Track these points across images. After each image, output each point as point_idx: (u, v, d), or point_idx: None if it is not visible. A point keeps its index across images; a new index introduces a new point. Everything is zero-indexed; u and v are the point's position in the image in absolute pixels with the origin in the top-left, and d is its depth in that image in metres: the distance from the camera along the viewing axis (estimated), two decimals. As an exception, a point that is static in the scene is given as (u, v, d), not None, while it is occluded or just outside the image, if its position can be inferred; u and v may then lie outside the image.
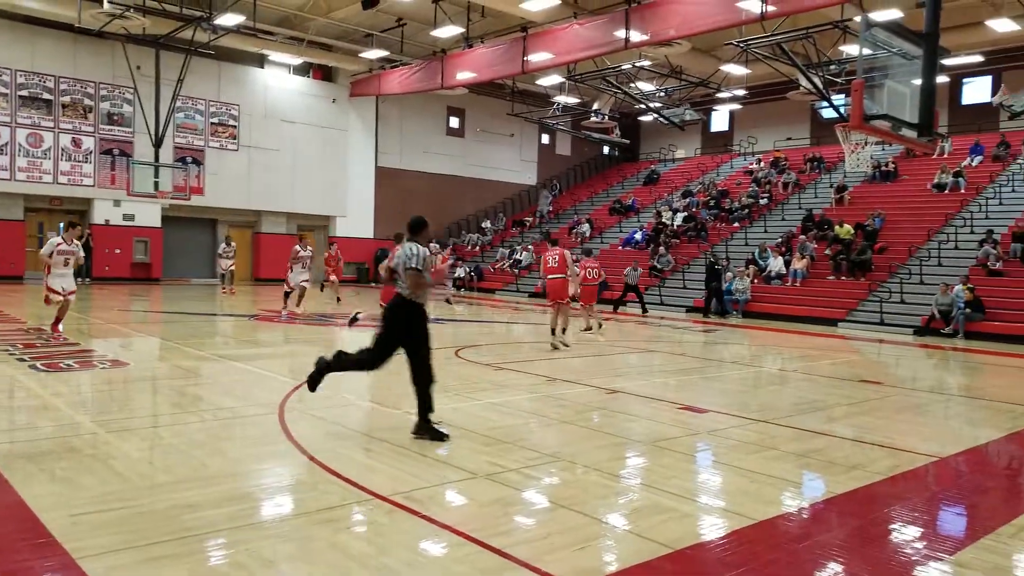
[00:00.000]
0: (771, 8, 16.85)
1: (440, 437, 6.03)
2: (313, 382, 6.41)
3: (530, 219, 35.22)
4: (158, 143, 24.42)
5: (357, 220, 31.68)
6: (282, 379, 8.76)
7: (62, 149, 25.08)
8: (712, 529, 4.45)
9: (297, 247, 16.90)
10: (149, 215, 26.74)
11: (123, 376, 8.80)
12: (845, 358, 13.51)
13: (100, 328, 13.70)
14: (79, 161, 25.38)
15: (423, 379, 6.12)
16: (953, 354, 14.63)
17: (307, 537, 4.03)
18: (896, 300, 18.76)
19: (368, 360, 6.24)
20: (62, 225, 16.87)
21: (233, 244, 23.56)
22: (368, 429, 6.73)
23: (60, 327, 11.67)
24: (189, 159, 27.21)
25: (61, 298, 11.48)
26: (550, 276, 12.71)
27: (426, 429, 6.09)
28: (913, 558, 4.09)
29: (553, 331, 12.66)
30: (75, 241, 11.60)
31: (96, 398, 7.64)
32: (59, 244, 11.36)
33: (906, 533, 4.50)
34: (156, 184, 24.27)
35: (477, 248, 33.37)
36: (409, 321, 6.11)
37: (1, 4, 22.31)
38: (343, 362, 6.33)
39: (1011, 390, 10.34)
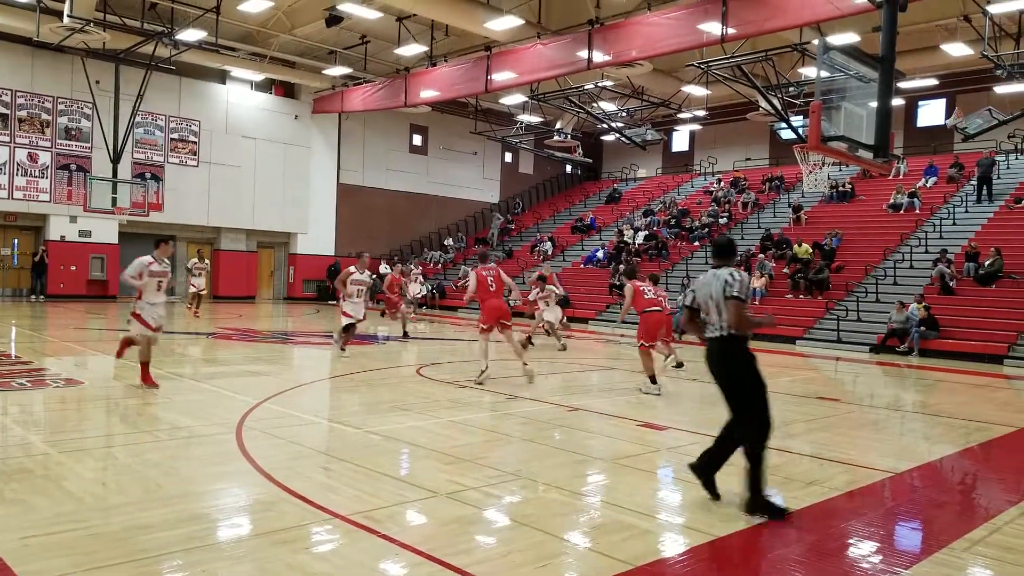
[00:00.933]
0: (731, 31, 17.19)
1: (780, 514, 4.89)
2: (769, 508, 4.92)
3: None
4: (116, 159, 24.05)
5: (318, 237, 31.46)
6: (240, 398, 8.64)
7: (18, 164, 24.54)
8: (673, 545, 4.49)
9: (352, 268, 13.07)
10: (106, 231, 26.24)
11: (77, 395, 8.61)
12: (803, 375, 13.71)
13: (54, 346, 13.38)
14: (35, 176, 24.86)
15: (756, 434, 5.00)
16: (908, 371, 14.93)
17: (264, 558, 3.97)
18: (852, 318, 19.12)
19: (763, 428, 5.05)
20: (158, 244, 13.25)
21: (207, 261, 21.91)
22: (327, 448, 6.66)
23: (151, 373, 9.19)
24: (148, 175, 26.81)
25: (152, 334, 9.23)
26: (493, 299, 10.69)
27: (763, 505, 4.87)
28: (869, 572, 4.17)
29: (525, 364, 10.78)
30: (165, 260, 9.59)
31: (49, 418, 7.46)
32: (149, 263, 9.25)
33: (862, 548, 4.58)
34: (114, 200, 23.87)
35: (439, 266, 33.32)
36: (751, 362, 5.06)
37: (-45, 17, 21.87)
38: (752, 458, 4.96)
39: (965, 407, 10.58)
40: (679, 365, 12.46)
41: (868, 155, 9.32)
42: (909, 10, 10.26)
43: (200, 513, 4.70)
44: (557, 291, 16.22)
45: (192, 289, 20.56)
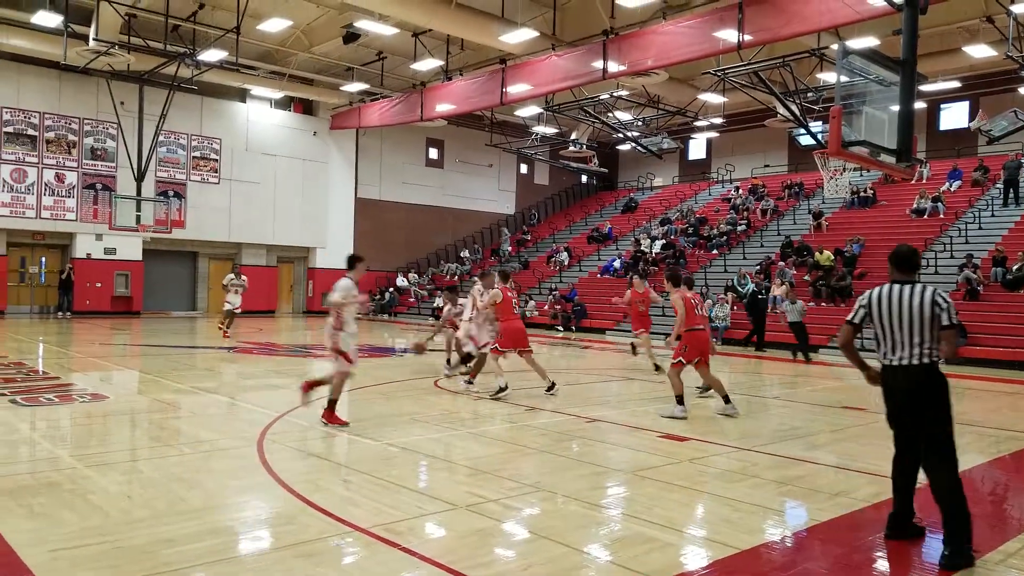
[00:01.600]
0: (748, 37, 17.13)
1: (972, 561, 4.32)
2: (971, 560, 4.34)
3: (508, 248, 35.34)
4: (140, 177, 24.40)
5: (336, 251, 31.66)
6: (261, 411, 8.71)
7: (45, 184, 24.98)
8: (695, 559, 4.46)
9: (478, 288, 11.69)
10: (130, 249, 26.61)
11: (103, 410, 8.72)
12: (826, 384, 13.59)
13: (80, 362, 13.56)
14: (62, 196, 25.29)
15: (956, 473, 4.48)
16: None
17: (287, 570, 4.00)
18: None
19: (953, 465, 4.49)
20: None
21: (243, 278, 20.16)
22: (347, 461, 6.69)
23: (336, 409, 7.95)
24: (171, 193, 27.17)
25: (350, 369, 7.92)
26: (516, 320, 10.31)
27: (968, 559, 4.30)
28: (892, 582, 4.11)
29: (552, 386, 10.31)
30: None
31: (75, 432, 7.56)
32: (353, 290, 7.83)
33: (891, 561, 4.52)
34: (138, 218, 24.22)
35: (456, 278, 33.40)
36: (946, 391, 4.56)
37: (-12, 45, 22.38)
38: (960, 503, 4.39)
39: (994, 415, 10.42)
40: (707, 389, 10.51)
41: (890, 159, 9.24)
42: (929, 12, 10.18)
43: (223, 526, 4.74)
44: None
45: (227, 306, 19.18)
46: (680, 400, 9.00)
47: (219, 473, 6.05)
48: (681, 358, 9.15)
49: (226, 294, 19.45)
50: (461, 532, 4.69)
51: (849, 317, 4.77)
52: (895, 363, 4.53)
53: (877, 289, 4.63)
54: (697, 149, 37.35)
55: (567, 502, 5.38)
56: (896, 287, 4.56)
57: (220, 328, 19.02)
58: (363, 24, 21.31)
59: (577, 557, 4.35)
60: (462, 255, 34.91)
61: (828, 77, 22.04)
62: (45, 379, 11.18)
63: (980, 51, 20.57)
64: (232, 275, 20.18)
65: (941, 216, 24.13)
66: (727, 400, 9.19)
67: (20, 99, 24.45)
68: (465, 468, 6.24)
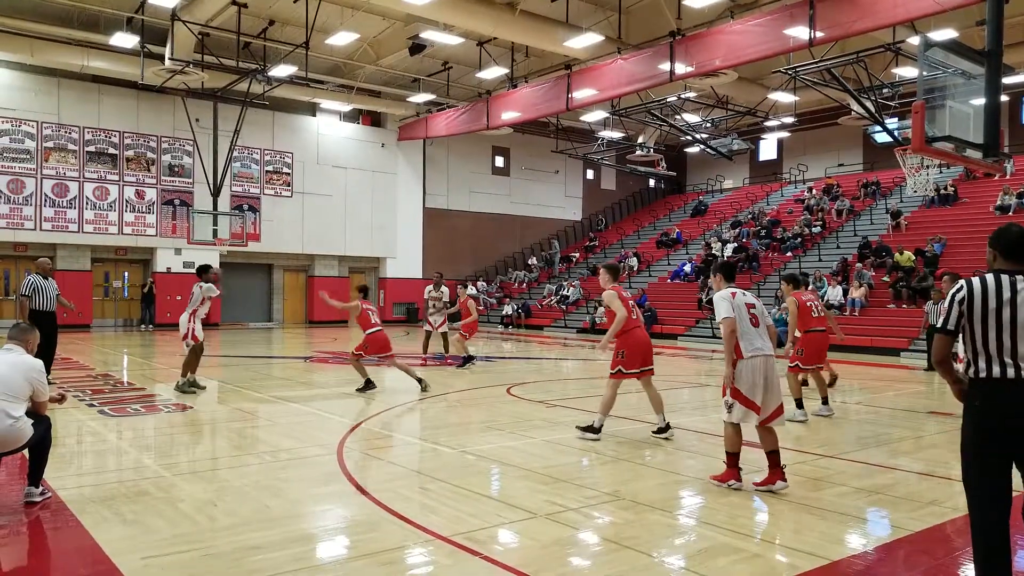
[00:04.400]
0: (819, 34, 16.71)
1: None
2: None
3: (576, 254, 35.20)
4: (216, 192, 25.19)
5: (406, 261, 32.09)
6: (339, 419, 8.84)
7: (126, 201, 26.03)
8: (785, 570, 4.31)
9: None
10: (208, 262, 27.39)
11: (186, 419, 8.98)
12: (910, 388, 13.08)
13: (164, 373, 14.03)
14: (142, 212, 26.29)
15: None
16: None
17: (370, 579, 4.02)
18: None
19: None
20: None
21: (445, 289, 16.91)
22: (425, 468, 6.72)
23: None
24: (246, 207, 27.98)
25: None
26: (641, 331, 7.92)
27: None
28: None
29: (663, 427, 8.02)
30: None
31: (161, 441, 7.80)
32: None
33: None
34: (215, 232, 24.96)
35: (524, 285, 33.44)
36: None
37: (71, 67, 23.45)
38: None
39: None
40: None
41: (977, 154, 8.85)
42: (1012, 1, 9.75)
43: (307, 534, 4.81)
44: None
45: (427, 326, 16.58)
46: (799, 404, 8.89)
47: (301, 481, 6.15)
48: (798, 363, 8.98)
49: (427, 315, 16.59)
50: (542, 541, 4.65)
51: (941, 323, 3.66)
52: (1009, 377, 3.46)
53: (976, 281, 3.58)
54: (768, 150, 36.58)
55: (648, 511, 5.28)
56: (1006, 278, 3.53)
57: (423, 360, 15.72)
58: (428, 35, 21.57)
59: (661, 568, 4.26)
60: (530, 262, 34.96)
61: (904, 72, 21.33)
62: (131, 390, 11.60)
63: (1066, 39, 19.63)
64: (431, 288, 16.79)
65: (1028, 212, 23.06)
66: (800, 405, 8.97)
67: (101, 119, 25.52)
68: (542, 476, 6.19)
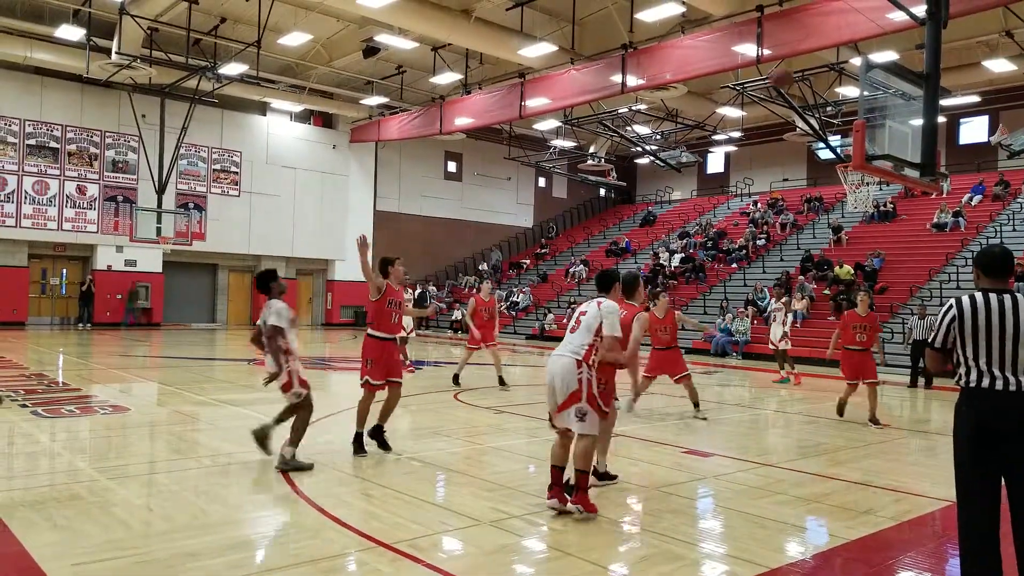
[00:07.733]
0: (767, 52, 17.08)
1: None
2: None
3: (527, 261, 35.33)
4: (161, 190, 24.62)
5: (355, 264, 31.69)
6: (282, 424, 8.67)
7: (67, 196, 25.26)
8: None
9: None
10: (150, 261, 26.80)
11: (123, 422, 8.74)
12: (851, 399, 13.38)
13: (101, 374, 13.64)
14: (83, 208, 25.54)
15: None
16: (958, 395, 14.49)
17: (310, 587, 3.96)
18: (898, 340, 18.71)
19: None
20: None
21: (411, 291, 16.43)
22: (368, 475, 6.65)
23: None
24: (191, 205, 27.39)
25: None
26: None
27: None
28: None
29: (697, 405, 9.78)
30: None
31: (96, 444, 7.58)
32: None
33: (918, 578, 4.43)
34: (158, 230, 24.40)
35: (474, 290, 33.39)
36: None
37: (13, 58, 22.70)
38: None
39: None
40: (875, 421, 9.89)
41: (914, 173, 9.17)
42: (949, 27, 10.11)
43: (245, 540, 4.72)
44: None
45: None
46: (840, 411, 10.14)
47: (240, 486, 6.03)
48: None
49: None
50: (485, 549, 4.64)
51: (931, 340, 3.90)
52: (997, 388, 3.68)
53: (965, 301, 3.76)
54: (716, 163, 37.25)
55: (592, 519, 5.31)
56: (994, 297, 3.73)
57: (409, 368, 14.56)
58: (383, 38, 21.46)
59: (604, 575, 4.29)
60: (480, 268, 34.94)
61: (847, 91, 21.95)
62: (66, 390, 11.24)
63: (1000, 65, 20.50)
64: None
65: (962, 230, 23.89)
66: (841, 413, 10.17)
67: (43, 112, 24.75)
68: (487, 483, 6.18)
